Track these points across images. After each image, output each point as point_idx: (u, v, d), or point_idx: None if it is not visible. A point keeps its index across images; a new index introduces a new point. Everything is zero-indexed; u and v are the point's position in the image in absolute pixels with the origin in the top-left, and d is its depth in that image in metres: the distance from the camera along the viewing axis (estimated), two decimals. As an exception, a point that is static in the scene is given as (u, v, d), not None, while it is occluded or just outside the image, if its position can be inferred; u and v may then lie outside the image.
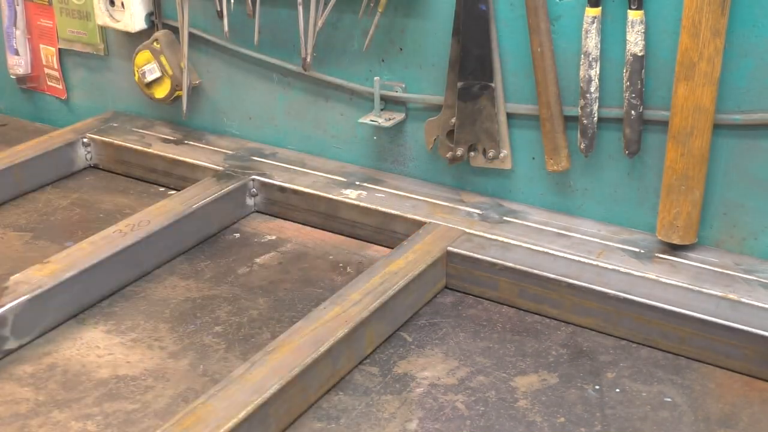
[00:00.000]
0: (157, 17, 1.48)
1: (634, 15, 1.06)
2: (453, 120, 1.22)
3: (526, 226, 1.17)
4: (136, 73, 1.48)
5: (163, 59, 1.45)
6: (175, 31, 1.46)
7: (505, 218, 1.19)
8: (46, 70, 1.67)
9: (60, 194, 1.40)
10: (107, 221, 1.25)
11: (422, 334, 1.03)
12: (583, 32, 1.10)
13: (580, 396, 0.92)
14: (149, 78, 1.47)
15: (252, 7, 1.32)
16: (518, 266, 1.09)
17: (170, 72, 1.45)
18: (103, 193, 1.41)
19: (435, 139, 1.26)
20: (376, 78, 1.28)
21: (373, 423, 0.88)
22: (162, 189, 1.42)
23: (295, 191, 1.30)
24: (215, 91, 1.49)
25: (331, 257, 1.20)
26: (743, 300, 1.00)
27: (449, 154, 1.24)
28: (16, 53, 1.66)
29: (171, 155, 1.42)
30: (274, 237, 1.27)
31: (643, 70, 1.08)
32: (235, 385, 0.86)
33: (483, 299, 1.10)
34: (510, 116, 1.21)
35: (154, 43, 1.45)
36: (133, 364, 0.98)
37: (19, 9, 1.64)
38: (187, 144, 1.46)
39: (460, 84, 1.19)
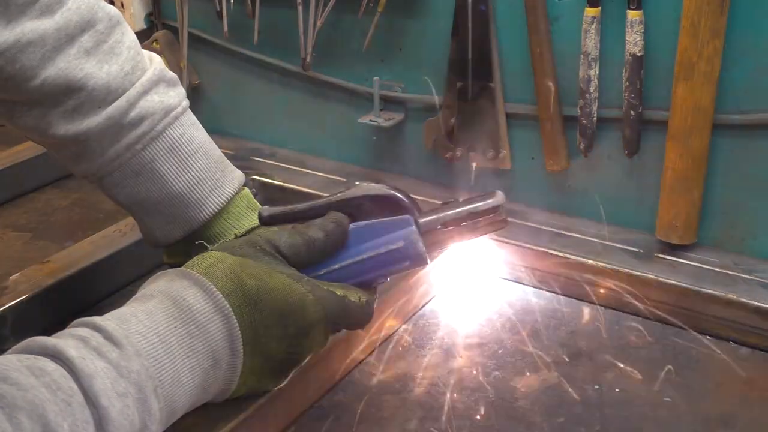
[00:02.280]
0: (156, 17, 1.48)
1: (633, 15, 1.06)
2: (452, 120, 1.22)
3: (526, 226, 1.17)
4: (135, 73, 1.48)
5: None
6: (174, 31, 1.46)
7: (504, 218, 1.19)
8: (46, 70, 1.67)
9: (60, 194, 1.40)
10: (107, 221, 1.24)
11: (422, 334, 1.03)
12: (583, 32, 1.10)
13: (580, 396, 0.92)
14: (149, 78, 1.47)
15: (251, 7, 1.32)
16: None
17: (170, 72, 1.45)
18: (103, 193, 1.40)
19: (434, 139, 1.26)
20: (375, 78, 1.28)
21: (372, 423, 0.88)
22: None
23: (295, 191, 1.30)
24: (215, 91, 1.49)
25: (330, 257, 1.19)
26: (743, 300, 1.00)
27: (449, 154, 1.24)
28: (16, 53, 1.66)
29: (171, 155, 1.42)
30: (273, 237, 1.26)
31: (643, 70, 1.08)
32: (235, 385, 0.86)
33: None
34: (509, 116, 1.21)
35: (154, 44, 1.45)
36: (133, 364, 0.98)
37: (19, 9, 1.64)
38: (186, 144, 1.46)
39: (459, 84, 1.19)
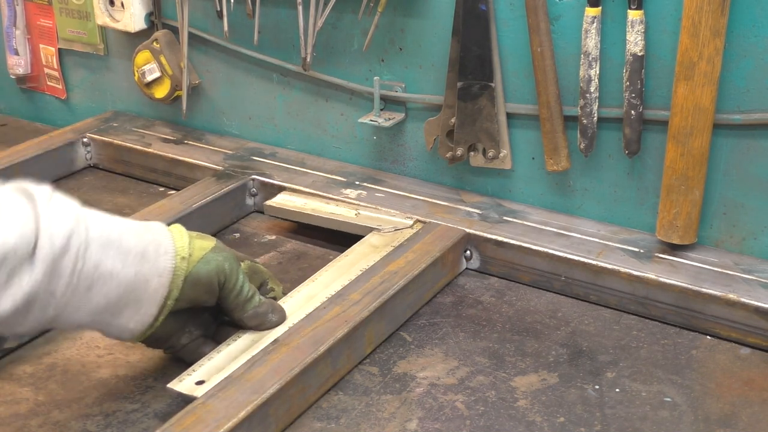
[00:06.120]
0: (156, 17, 1.48)
1: (633, 15, 1.06)
2: (453, 120, 1.22)
3: (526, 226, 1.17)
4: (135, 73, 1.48)
5: (162, 59, 1.45)
6: (174, 31, 1.46)
7: (504, 218, 1.20)
8: (46, 70, 1.67)
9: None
10: (107, 221, 1.24)
11: (422, 334, 1.03)
12: (583, 32, 1.10)
13: (580, 396, 0.92)
14: (149, 78, 1.47)
15: (252, 7, 1.32)
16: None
17: (170, 72, 1.45)
18: (103, 193, 1.41)
19: (435, 139, 1.26)
20: (375, 78, 1.28)
21: (372, 423, 0.88)
22: (162, 189, 1.42)
23: (295, 191, 1.30)
24: (215, 91, 1.49)
25: (330, 257, 1.19)
26: (743, 300, 1.00)
27: (449, 154, 1.24)
28: (16, 53, 1.66)
29: (171, 155, 1.42)
30: (273, 237, 1.27)
31: (643, 70, 1.08)
32: (235, 385, 0.86)
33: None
34: (510, 116, 1.21)
35: (154, 43, 1.45)
36: (133, 364, 0.98)
37: (19, 9, 1.64)
38: (186, 144, 1.47)
39: (459, 84, 1.19)
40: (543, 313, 1.07)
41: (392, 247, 1.11)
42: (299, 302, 1.02)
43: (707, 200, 1.10)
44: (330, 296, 1.01)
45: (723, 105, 1.05)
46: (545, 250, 1.11)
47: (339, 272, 1.08)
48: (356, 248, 1.14)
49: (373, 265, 1.07)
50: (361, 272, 1.06)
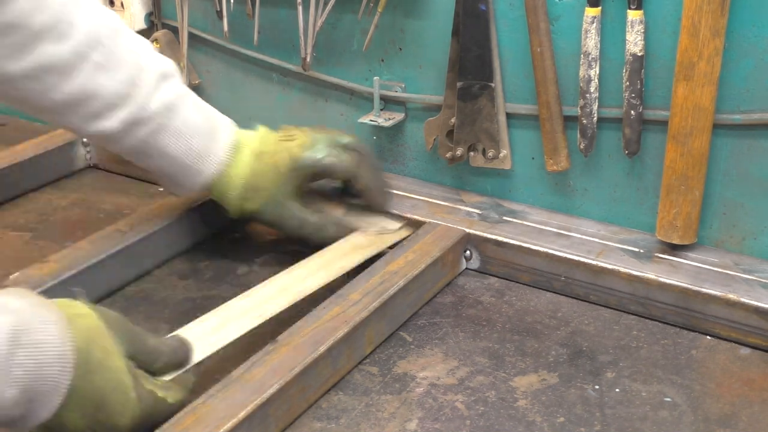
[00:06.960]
0: (156, 17, 1.48)
1: (633, 15, 1.06)
2: (452, 120, 1.22)
3: (526, 226, 1.17)
4: (135, 73, 1.48)
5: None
6: (174, 31, 1.46)
7: (504, 218, 1.20)
8: (46, 70, 1.67)
9: (60, 194, 1.40)
10: (107, 221, 1.25)
11: (422, 334, 1.03)
12: (583, 32, 1.10)
13: (579, 396, 0.92)
14: (149, 78, 1.47)
15: (252, 7, 1.32)
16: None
17: (170, 72, 1.45)
18: (103, 193, 1.41)
19: (434, 139, 1.26)
20: (375, 78, 1.28)
21: (372, 423, 0.88)
22: (162, 189, 1.41)
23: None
24: (215, 91, 1.49)
25: (330, 257, 1.19)
26: (743, 300, 1.00)
27: (449, 154, 1.24)
28: (16, 53, 1.66)
29: (171, 155, 1.42)
30: (274, 237, 1.27)
31: (643, 70, 1.08)
32: (235, 385, 0.86)
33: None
34: (510, 116, 1.21)
35: (154, 43, 1.45)
36: (133, 364, 0.98)
37: (19, 9, 1.64)
38: (186, 144, 1.46)
39: (459, 84, 1.19)
40: (543, 313, 1.07)
41: (376, 248, 1.12)
42: (271, 294, 1.01)
43: (707, 200, 1.10)
44: (306, 290, 1.02)
45: (723, 105, 1.05)
46: (545, 250, 1.11)
47: (317, 268, 1.08)
48: (337, 245, 1.13)
49: (373, 264, 1.07)
50: (341, 270, 1.08)
